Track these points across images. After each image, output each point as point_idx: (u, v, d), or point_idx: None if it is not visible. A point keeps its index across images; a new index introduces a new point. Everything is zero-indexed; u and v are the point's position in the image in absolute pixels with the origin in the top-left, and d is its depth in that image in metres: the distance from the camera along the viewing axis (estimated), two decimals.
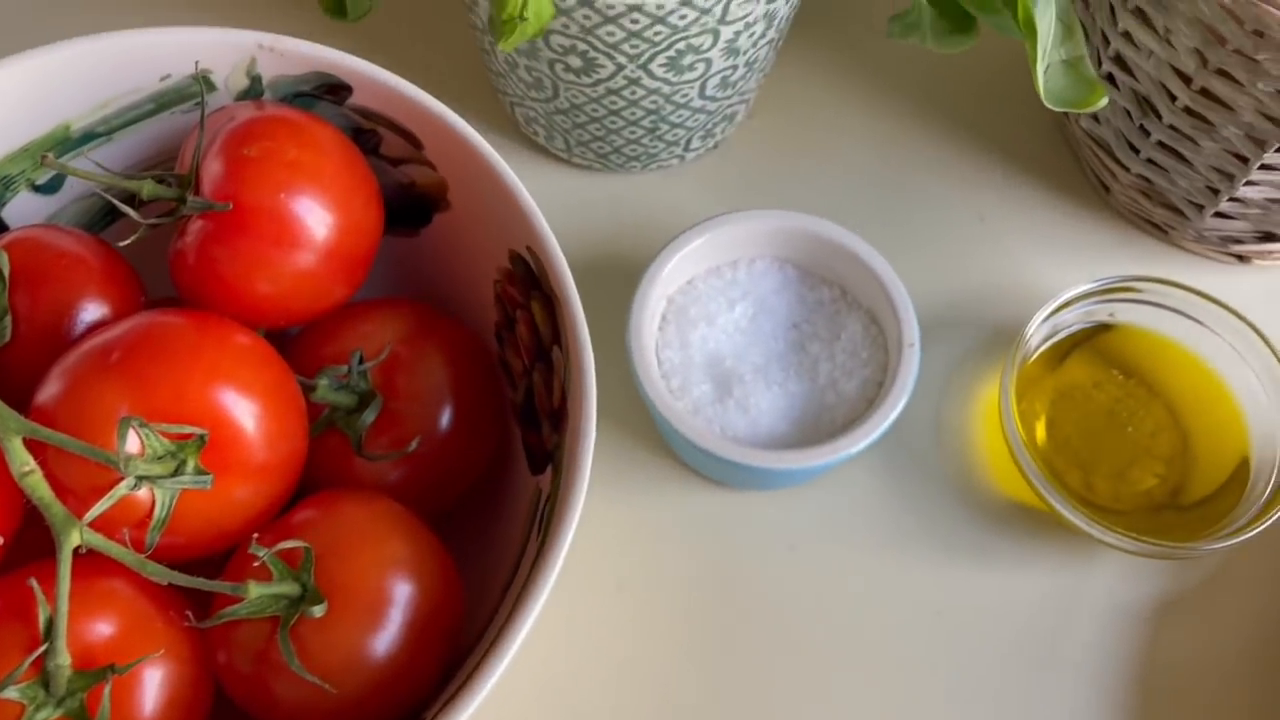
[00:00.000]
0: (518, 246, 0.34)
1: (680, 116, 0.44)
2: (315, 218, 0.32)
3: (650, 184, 0.49)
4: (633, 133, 0.45)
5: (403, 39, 0.52)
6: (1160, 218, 0.46)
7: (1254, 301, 0.46)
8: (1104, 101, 0.38)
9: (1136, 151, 0.45)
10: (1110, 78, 0.44)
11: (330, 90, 0.35)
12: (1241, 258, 0.46)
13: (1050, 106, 0.38)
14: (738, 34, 0.40)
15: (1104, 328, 0.44)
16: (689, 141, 0.47)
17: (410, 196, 0.37)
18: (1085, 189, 0.49)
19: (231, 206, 0.31)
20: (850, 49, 0.53)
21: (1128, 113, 0.44)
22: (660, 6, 0.36)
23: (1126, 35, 0.41)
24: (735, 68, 0.42)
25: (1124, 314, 0.44)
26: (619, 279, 0.43)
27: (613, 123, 0.44)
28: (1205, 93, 0.39)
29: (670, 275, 0.43)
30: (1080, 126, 0.48)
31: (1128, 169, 0.46)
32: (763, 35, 0.41)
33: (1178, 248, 0.48)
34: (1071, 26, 0.39)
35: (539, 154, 0.50)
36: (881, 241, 0.47)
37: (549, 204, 0.50)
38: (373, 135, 0.36)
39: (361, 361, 0.34)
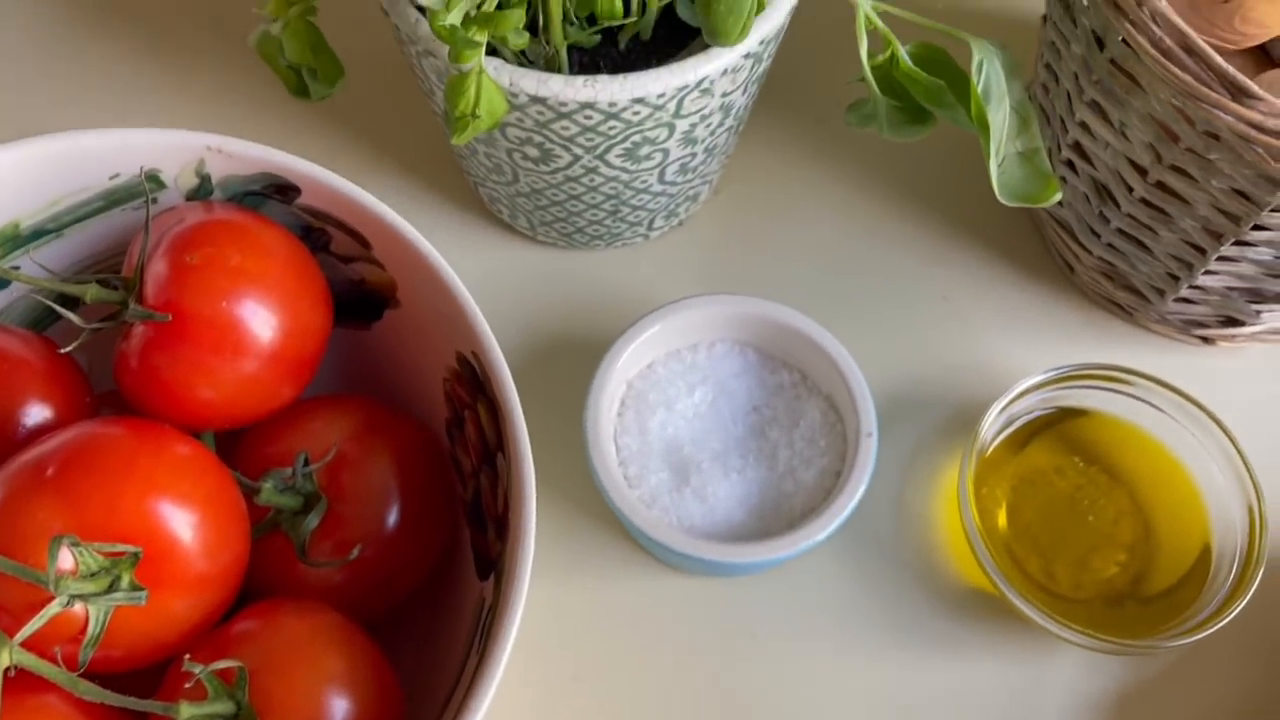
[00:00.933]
0: (464, 349, 0.34)
1: (641, 200, 0.44)
2: (259, 323, 0.32)
3: (615, 261, 0.49)
4: (594, 215, 0.45)
5: (376, 115, 0.52)
6: (1124, 300, 0.46)
7: (1217, 383, 0.46)
8: (1057, 197, 0.38)
9: (1098, 236, 0.45)
10: (1070, 164, 0.44)
11: (279, 190, 0.35)
12: (1206, 339, 0.46)
13: (1004, 201, 0.38)
14: (694, 125, 0.40)
15: (1066, 413, 0.44)
16: (652, 221, 0.47)
17: (361, 292, 0.37)
18: (1051, 268, 0.49)
19: (170, 317, 0.31)
20: (816, 125, 0.53)
21: (1088, 198, 0.44)
22: (613, 104, 0.36)
23: (1084, 125, 0.41)
24: (694, 155, 0.42)
25: (1085, 400, 0.44)
26: (583, 357, 0.43)
27: (574, 206, 0.44)
28: (1161, 186, 0.39)
29: (629, 361, 0.42)
30: (1044, 208, 0.48)
31: (1090, 252, 0.46)
32: (720, 124, 0.41)
33: (1142, 328, 0.47)
34: (1027, 119, 0.39)
35: (505, 231, 0.50)
36: (845, 320, 0.47)
37: (513, 281, 0.50)
38: (322, 233, 0.36)
39: (306, 464, 0.34)
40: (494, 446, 0.33)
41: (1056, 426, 0.44)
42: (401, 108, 0.52)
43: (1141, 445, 0.43)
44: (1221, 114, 0.33)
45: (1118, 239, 0.44)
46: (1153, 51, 0.34)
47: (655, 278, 0.49)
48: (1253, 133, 0.33)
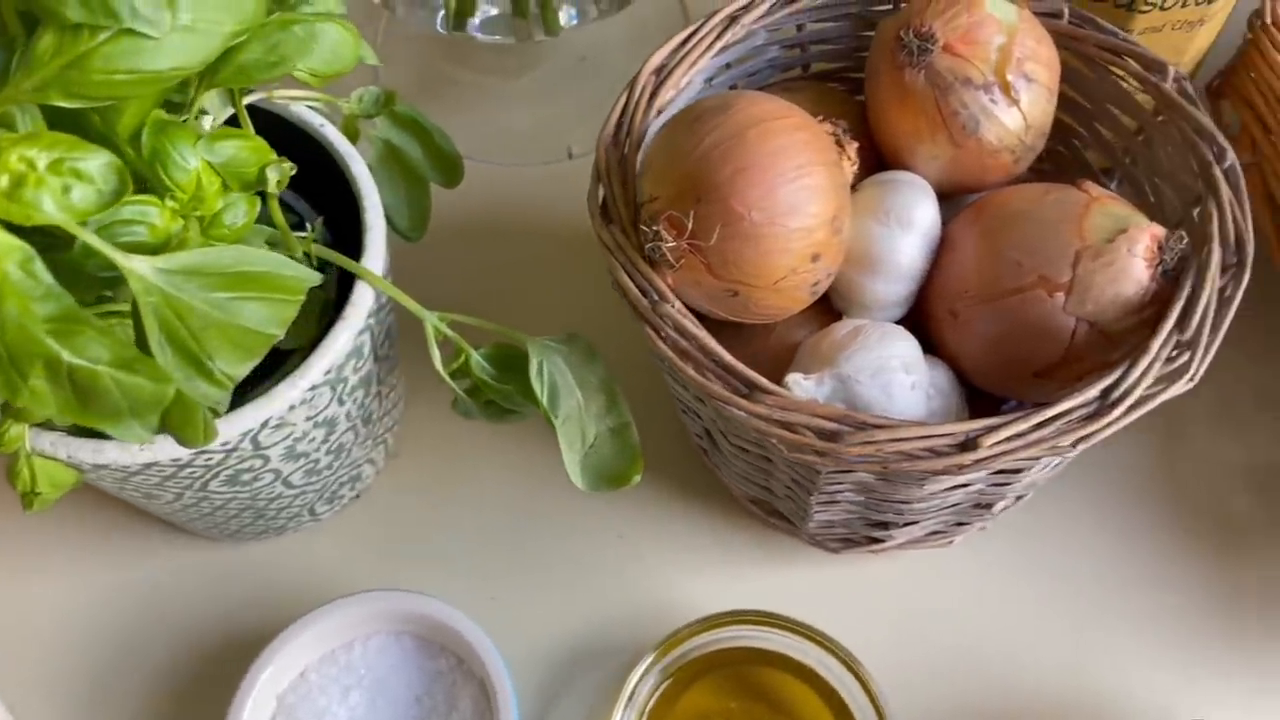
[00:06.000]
0: None
1: (280, 503, 0.45)
2: None
3: (289, 548, 0.49)
4: (241, 519, 0.45)
5: None
6: (779, 522, 0.47)
7: (883, 585, 0.47)
8: (637, 478, 0.39)
9: (736, 472, 0.46)
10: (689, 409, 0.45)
11: None
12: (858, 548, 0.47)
13: (587, 490, 0.39)
14: (290, 448, 0.40)
15: (723, 654, 0.44)
16: (312, 508, 0.47)
17: None
18: (718, 492, 0.50)
19: None
20: None
21: (715, 442, 0.45)
22: (175, 460, 0.37)
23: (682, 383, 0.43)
24: (315, 461, 0.43)
25: (740, 639, 0.44)
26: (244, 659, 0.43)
27: (219, 515, 0.44)
28: (741, 448, 0.41)
29: (276, 674, 0.42)
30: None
31: (737, 485, 0.47)
32: (326, 438, 0.42)
33: (805, 543, 0.48)
34: (614, 395, 0.41)
35: (168, 529, 0.49)
36: (523, 573, 0.48)
37: (190, 583, 0.49)
38: None
39: None
40: None
41: (714, 668, 0.44)
42: None
43: (796, 671, 0.44)
44: (735, 410, 0.34)
45: (750, 479, 0.45)
46: (670, 354, 0.35)
47: (332, 561, 0.49)
48: (763, 426, 0.34)
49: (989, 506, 0.43)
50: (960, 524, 0.45)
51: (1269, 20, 0.50)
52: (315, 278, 0.30)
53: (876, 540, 0.45)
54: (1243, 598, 0.48)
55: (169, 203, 0.31)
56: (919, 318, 0.41)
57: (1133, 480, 0.50)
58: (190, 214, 0.32)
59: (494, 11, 0.56)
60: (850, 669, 0.41)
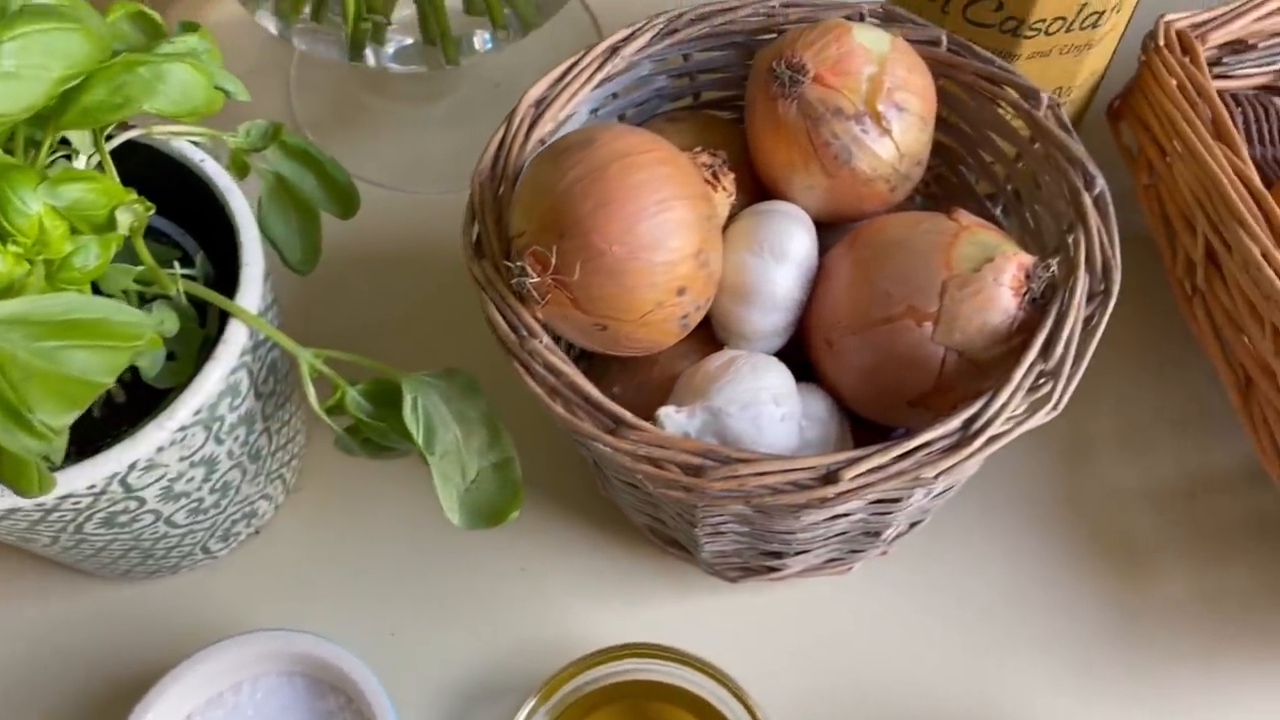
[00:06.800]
0: None
1: (168, 542, 0.44)
2: None
3: (186, 587, 0.48)
4: (129, 560, 0.44)
5: None
6: (676, 550, 0.47)
7: (783, 613, 0.47)
8: (515, 515, 0.39)
9: (631, 503, 0.46)
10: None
11: None
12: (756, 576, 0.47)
13: (465, 528, 0.39)
14: (166, 489, 0.40)
15: (619, 687, 0.44)
16: (205, 546, 0.47)
17: None
18: (620, 522, 0.50)
19: None
20: None
21: (607, 475, 0.45)
22: (40, 505, 0.36)
23: None
24: (198, 499, 0.42)
25: (634, 673, 0.44)
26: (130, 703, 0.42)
27: (104, 556, 0.44)
28: (627, 481, 0.40)
29: (160, 719, 0.41)
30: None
31: (633, 513, 0.47)
32: (208, 477, 0.41)
33: (704, 571, 0.48)
34: (496, 430, 0.40)
35: (60, 569, 0.48)
36: (425, 608, 0.48)
37: (81, 624, 0.48)
38: None
39: None
40: None
41: (612, 703, 0.44)
42: None
43: (689, 706, 0.44)
44: (602, 447, 0.34)
45: (642, 510, 0.45)
46: (539, 390, 0.35)
47: (229, 599, 0.48)
48: (629, 462, 0.34)
49: (879, 534, 0.43)
50: (856, 551, 0.45)
51: (1161, 43, 0.50)
52: (149, 324, 0.30)
53: (773, 569, 0.45)
54: (1142, 621, 0.48)
55: (11, 247, 0.30)
56: (801, 347, 0.41)
57: (1035, 503, 0.50)
58: (35, 258, 0.31)
59: (409, 41, 0.55)
60: (739, 699, 0.41)
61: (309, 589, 0.49)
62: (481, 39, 0.56)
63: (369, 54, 0.55)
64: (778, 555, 0.43)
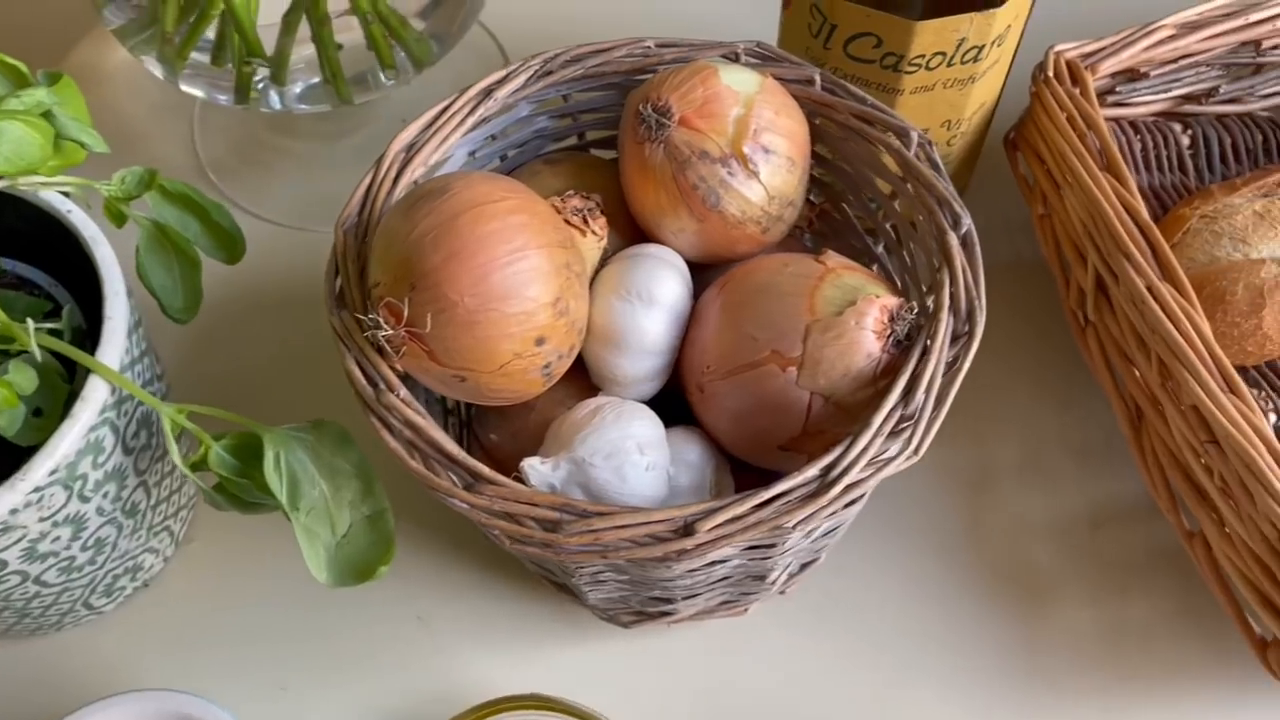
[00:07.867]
0: None
1: (43, 601, 0.43)
2: None
3: (68, 642, 0.47)
4: (4, 620, 0.43)
5: None
6: (568, 596, 0.46)
7: (681, 656, 0.47)
8: (384, 570, 0.38)
9: None
10: None
11: None
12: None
13: (333, 586, 0.38)
14: (29, 549, 0.39)
15: None
16: (87, 602, 0.46)
17: None
18: (517, 567, 0.49)
19: None
20: None
21: None
22: None
23: None
24: (69, 558, 0.41)
25: None
26: None
27: None
28: None
29: None
30: None
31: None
32: (77, 535, 0.40)
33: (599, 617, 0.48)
34: (369, 481, 0.39)
35: None
36: (318, 661, 0.47)
37: None
38: None
39: None
40: None
41: None
42: None
43: None
44: (457, 503, 0.33)
45: (529, 557, 0.44)
46: (395, 445, 0.35)
47: (114, 656, 0.47)
48: (485, 518, 0.33)
49: (764, 578, 0.42)
50: (747, 594, 0.44)
51: (1050, 73, 0.50)
52: None
53: (666, 613, 0.45)
54: (1043, 653, 0.47)
55: None
56: (678, 392, 0.40)
57: (938, 534, 0.50)
58: None
59: (315, 80, 0.55)
60: None
61: (199, 643, 0.48)
62: (384, 75, 0.55)
63: (273, 96, 0.55)
64: (667, 600, 0.43)
